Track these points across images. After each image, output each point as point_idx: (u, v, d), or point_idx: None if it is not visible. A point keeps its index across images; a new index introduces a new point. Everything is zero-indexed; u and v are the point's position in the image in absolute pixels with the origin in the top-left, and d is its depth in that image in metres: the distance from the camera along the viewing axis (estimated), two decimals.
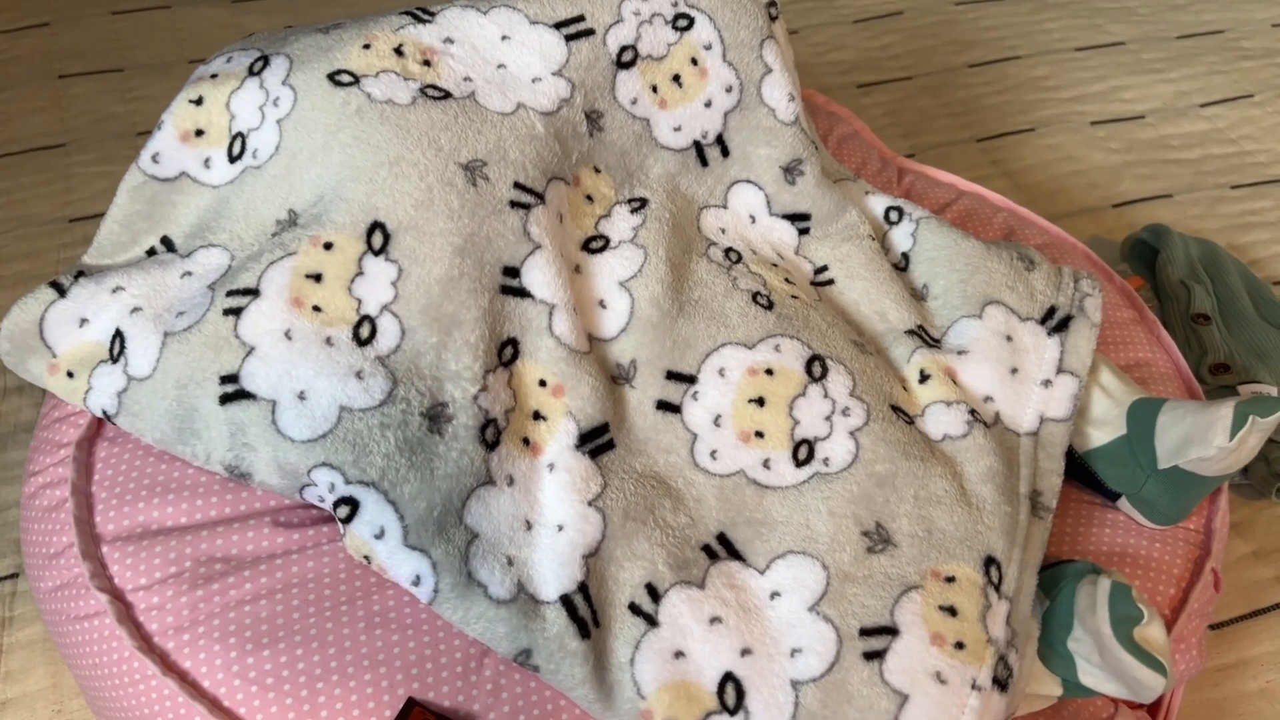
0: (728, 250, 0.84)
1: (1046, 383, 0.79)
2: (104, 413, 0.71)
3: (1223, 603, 0.97)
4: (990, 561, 0.69)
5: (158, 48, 1.55)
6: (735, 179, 0.88)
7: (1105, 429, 0.79)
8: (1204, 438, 0.73)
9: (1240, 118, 1.51)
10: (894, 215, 0.91)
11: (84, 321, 0.73)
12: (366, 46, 0.78)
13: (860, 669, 0.64)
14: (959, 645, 0.64)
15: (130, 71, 1.50)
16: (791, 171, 0.88)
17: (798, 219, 0.89)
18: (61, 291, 0.74)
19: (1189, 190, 1.39)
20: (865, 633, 0.65)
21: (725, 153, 0.87)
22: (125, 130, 1.40)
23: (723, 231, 0.86)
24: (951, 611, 0.66)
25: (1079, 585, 0.69)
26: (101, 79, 1.48)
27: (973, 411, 0.76)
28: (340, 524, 0.66)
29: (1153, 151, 1.45)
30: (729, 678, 0.64)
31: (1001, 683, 0.64)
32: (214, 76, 0.79)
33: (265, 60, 0.78)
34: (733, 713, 0.63)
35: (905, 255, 0.89)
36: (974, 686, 0.63)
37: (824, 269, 0.87)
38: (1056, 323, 0.82)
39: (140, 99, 1.45)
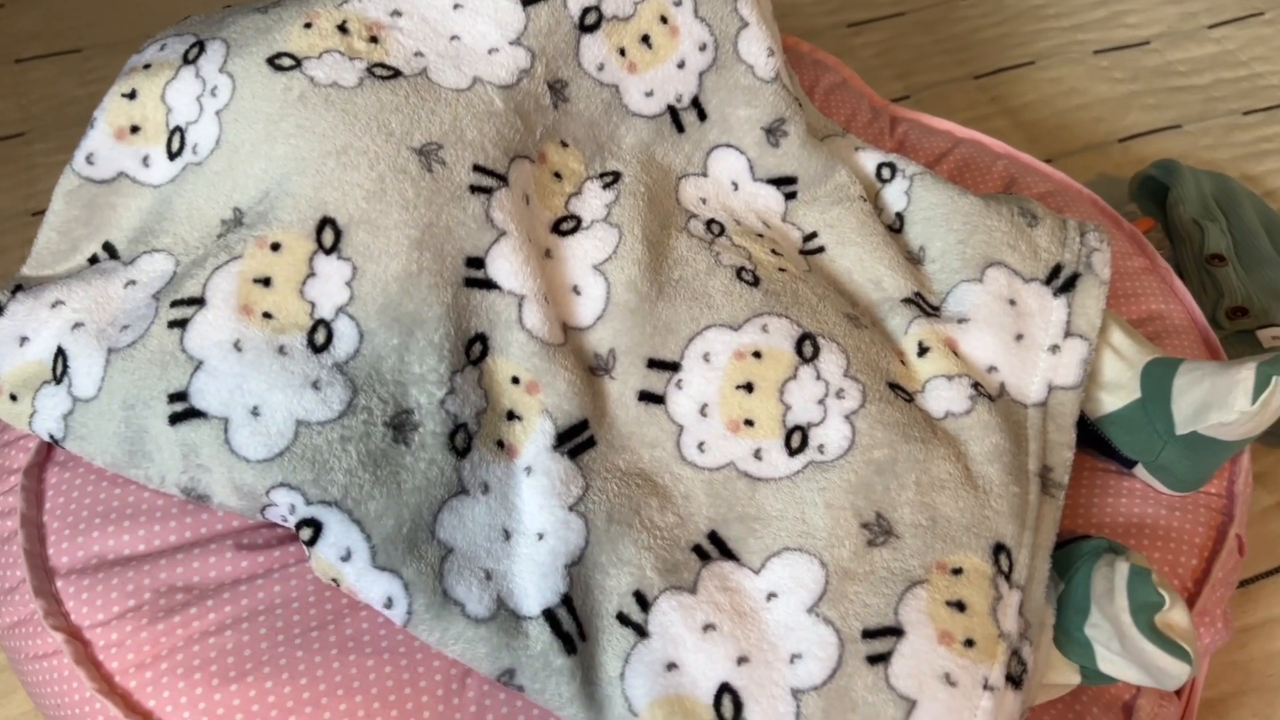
0: (709, 222, 0.79)
1: (1054, 348, 0.74)
2: (51, 437, 0.67)
3: (1247, 560, 0.93)
4: (999, 549, 0.64)
5: (116, 24, 1.48)
6: (714, 144, 0.82)
7: (1118, 393, 0.75)
8: (1224, 402, 0.68)
9: (1251, 38, 1.43)
10: (886, 172, 0.86)
11: (24, 340, 0.69)
12: (308, 25, 0.72)
13: (864, 674, 0.60)
14: (969, 643, 0.60)
15: (89, 51, 1.44)
16: (774, 132, 0.83)
17: (783, 183, 0.83)
18: None
19: (1199, 119, 1.32)
20: (868, 634, 0.61)
21: (702, 116, 0.82)
22: (86, 115, 1.34)
23: (703, 202, 0.80)
24: (959, 606, 0.62)
25: (1095, 567, 0.65)
26: (60, 61, 1.42)
27: (976, 385, 0.71)
28: (305, 546, 0.62)
29: (1159, 79, 1.38)
30: (725, 689, 0.60)
31: (1015, 679, 0.60)
32: (147, 67, 0.73)
33: (201, 46, 0.73)
34: None
35: (899, 215, 0.83)
36: (986, 686, 0.60)
37: (813, 235, 0.82)
38: (1063, 282, 0.76)
39: (100, 80, 1.39)
